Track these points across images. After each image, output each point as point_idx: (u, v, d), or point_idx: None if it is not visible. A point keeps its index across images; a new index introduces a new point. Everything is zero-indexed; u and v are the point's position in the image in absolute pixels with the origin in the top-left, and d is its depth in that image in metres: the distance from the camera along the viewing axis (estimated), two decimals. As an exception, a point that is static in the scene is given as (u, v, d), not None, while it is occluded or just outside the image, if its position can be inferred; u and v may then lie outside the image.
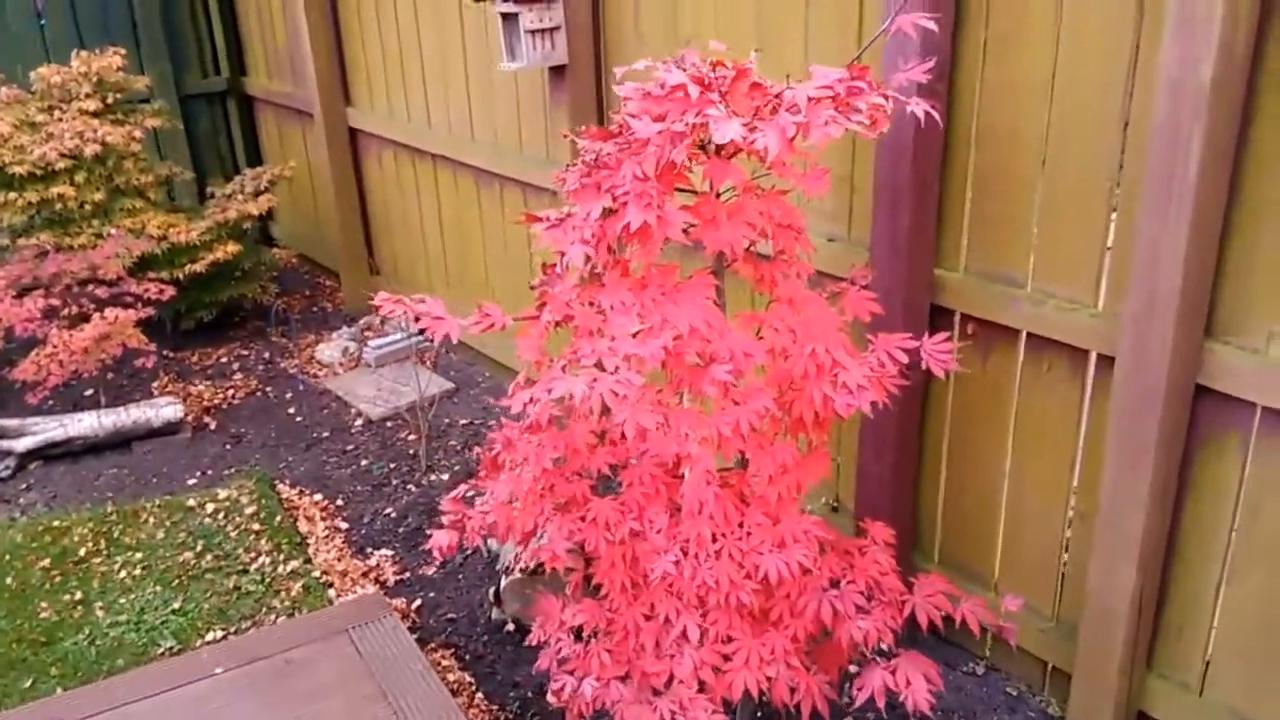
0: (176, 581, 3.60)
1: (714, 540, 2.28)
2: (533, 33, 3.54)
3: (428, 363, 5.41)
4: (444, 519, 2.66)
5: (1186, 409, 2.38)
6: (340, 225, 5.88)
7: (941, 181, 2.77)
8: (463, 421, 4.77)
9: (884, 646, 2.33)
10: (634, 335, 2.08)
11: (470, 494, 2.62)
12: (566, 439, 2.47)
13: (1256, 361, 2.26)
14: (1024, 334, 2.73)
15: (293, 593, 3.51)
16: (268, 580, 3.59)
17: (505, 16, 3.59)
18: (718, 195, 2.24)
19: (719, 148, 2.15)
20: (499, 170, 4.59)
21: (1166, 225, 2.20)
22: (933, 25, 2.11)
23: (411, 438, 4.65)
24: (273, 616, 3.39)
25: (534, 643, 2.59)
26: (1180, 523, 2.50)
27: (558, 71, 3.73)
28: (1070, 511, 2.77)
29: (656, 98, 2.10)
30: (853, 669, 2.41)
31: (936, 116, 2.16)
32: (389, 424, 4.81)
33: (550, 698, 2.54)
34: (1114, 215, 2.47)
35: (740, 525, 2.33)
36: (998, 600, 2.68)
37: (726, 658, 2.32)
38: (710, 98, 2.01)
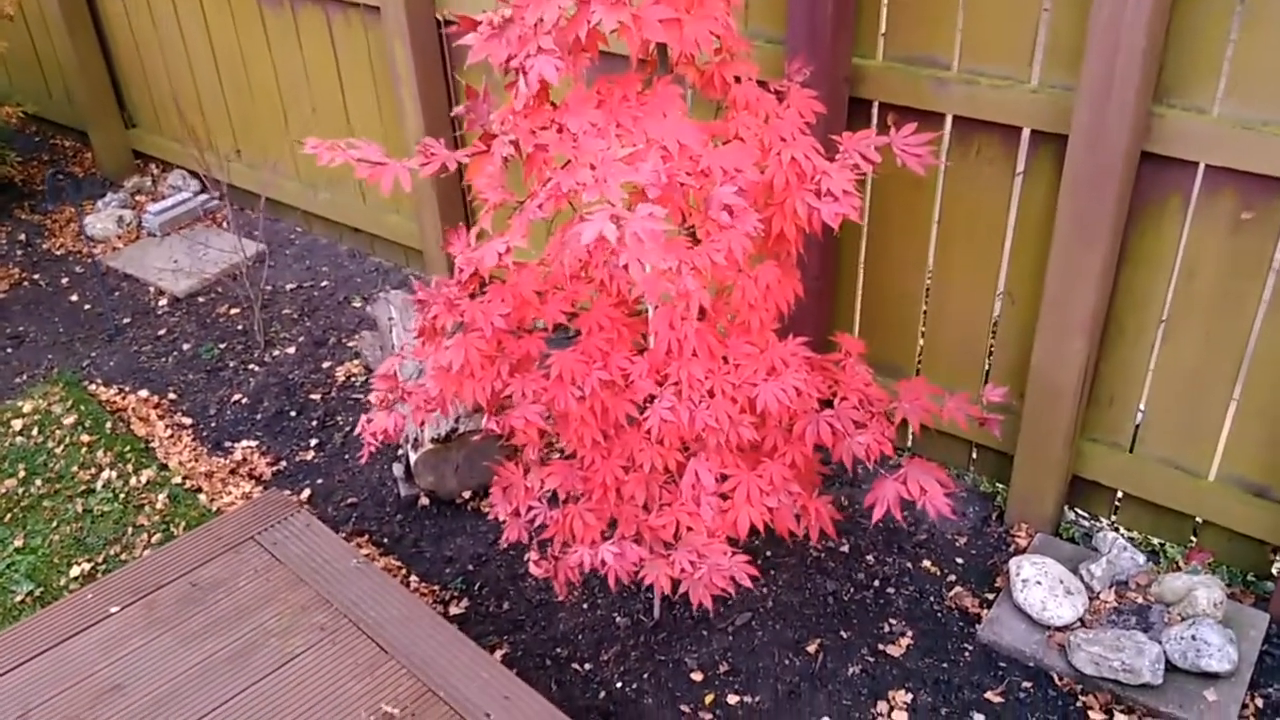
0: (8, 516, 3.04)
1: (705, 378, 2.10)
2: None
3: (223, 224, 4.76)
4: (372, 398, 2.33)
5: (1133, 177, 2.38)
6: (81, 72, 4.93)
7: (857, -41, 2.55)
8: (289, 286, 4.25)
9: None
10: (620, 160, 1.78)
11: (403, 367, 2.29)
12: (513, 291, 2.18)
13: (1203, 121, 2.26)
14: (950, 118, 2.63)
15: (158, 505, 3.05)
16: (121, 497, 3.09)
17: None
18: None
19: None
20: (289, -13, 3.93)
21: (1131, -14, 2.11)
22: None
23: (234, 311, 4.09)
24: (144, 536, 2.94)
25: (499, 516, 2.36)
26: (1117, 292, 2.55)
27: None
28: (999, 295, 2.78)
29: None
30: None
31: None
32: (200, 299, 4.21)
33: (532, 568, 2.33)
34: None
35: (725, 360, 2.16)
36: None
37: (724, 496, 2.19)
38: None
